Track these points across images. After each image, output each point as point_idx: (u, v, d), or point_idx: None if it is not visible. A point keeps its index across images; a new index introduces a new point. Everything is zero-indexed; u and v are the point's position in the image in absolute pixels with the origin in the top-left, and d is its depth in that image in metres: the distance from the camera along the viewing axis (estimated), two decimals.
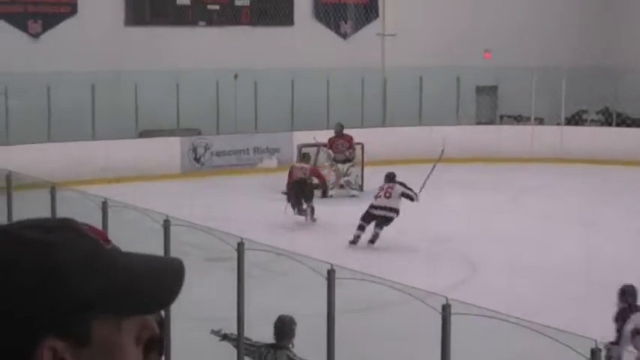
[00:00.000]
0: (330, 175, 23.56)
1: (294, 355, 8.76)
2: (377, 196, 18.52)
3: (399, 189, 18.42)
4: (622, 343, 10.37)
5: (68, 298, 1.35)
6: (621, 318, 10.53)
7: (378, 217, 18.24)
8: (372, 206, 18.39)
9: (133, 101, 25.99)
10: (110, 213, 10.65)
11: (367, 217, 18.29)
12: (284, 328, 8.62)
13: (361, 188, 23.81)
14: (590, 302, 13.85)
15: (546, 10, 33.79)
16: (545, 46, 32.47)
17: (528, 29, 32.94)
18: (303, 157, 22.57)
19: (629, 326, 10.40)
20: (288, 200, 20.67)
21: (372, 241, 18.07)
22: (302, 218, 20.50)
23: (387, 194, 18.30)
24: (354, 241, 18.02)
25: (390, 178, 18.81)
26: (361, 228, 18.16)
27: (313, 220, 20.49)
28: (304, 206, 20.52)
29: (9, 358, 1.33)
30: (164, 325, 4.71)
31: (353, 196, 23.54)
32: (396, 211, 18.18)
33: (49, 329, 1.33)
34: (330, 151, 24.07)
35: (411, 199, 18.36)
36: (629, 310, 10.64)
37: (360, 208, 20.73)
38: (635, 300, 10.88)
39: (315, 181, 21.42)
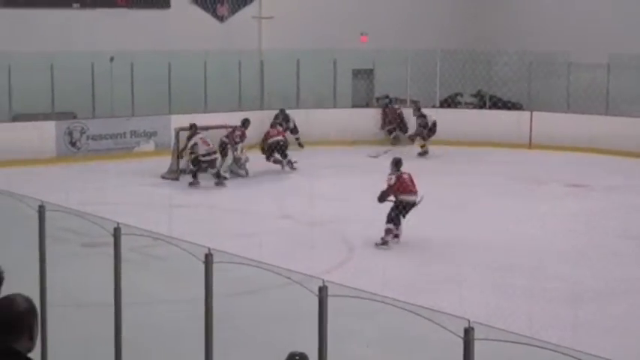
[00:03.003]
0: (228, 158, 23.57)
1: None
2: None
3: None
4: None
5: None
6: None
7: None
8: None
9: (7, 84, 25.47)
10: None
11: None
12: None
13: (247, 172, 23.86)
14: (464, 283, 14.14)
15: None
16: (420, 29, 32.92)
17: (404, 13, 33.36)
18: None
19: None
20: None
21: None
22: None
23: None
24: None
25: None
26: None
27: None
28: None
29: None
30: (35, 312, 4.67)
31: (240, 176, 23.60)
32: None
33: None
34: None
35: None
36: None
37: (244, 192, 20.78)
38: None
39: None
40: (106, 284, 9.02)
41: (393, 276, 14.18)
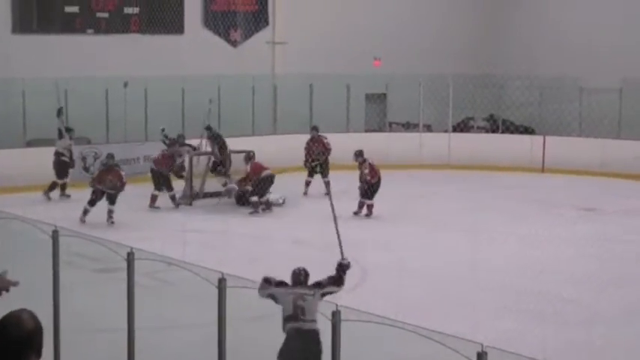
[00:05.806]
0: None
1: None
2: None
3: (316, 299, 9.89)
4: None
5: None
6: None
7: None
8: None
9: (21, 110, 25.62)
10: None
11: None
12: None
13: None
14: (476, 306, 14.13)
15: (433, 19, 34.39)
16: (432, 54, 33.00)
17: (416, 38, 33.45)
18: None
19: None
20: None
21: None
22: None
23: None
24: None
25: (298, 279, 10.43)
26: None
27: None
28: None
29: None
30: (42, 328, 4.71)
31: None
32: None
33: None
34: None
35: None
36: None
37: (257, 218, 20.77)
38: None
39: None
40: (119, 309, 9.06)
41: (405, 299, 14.17)
